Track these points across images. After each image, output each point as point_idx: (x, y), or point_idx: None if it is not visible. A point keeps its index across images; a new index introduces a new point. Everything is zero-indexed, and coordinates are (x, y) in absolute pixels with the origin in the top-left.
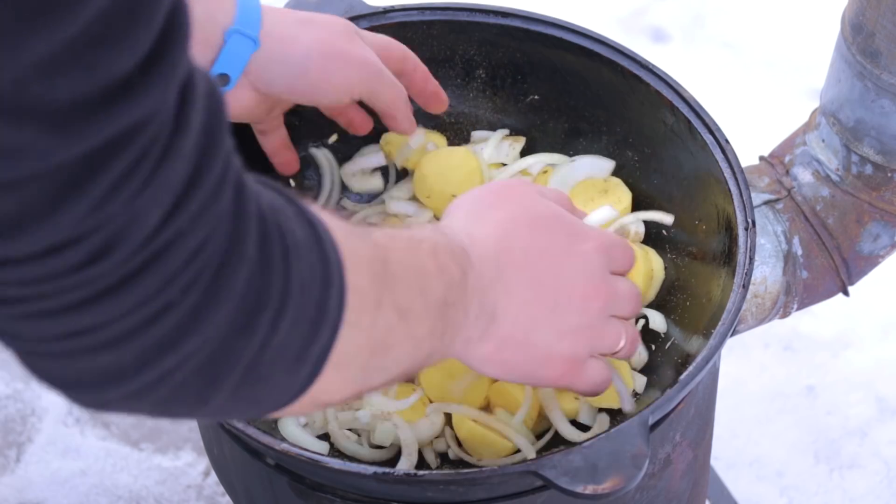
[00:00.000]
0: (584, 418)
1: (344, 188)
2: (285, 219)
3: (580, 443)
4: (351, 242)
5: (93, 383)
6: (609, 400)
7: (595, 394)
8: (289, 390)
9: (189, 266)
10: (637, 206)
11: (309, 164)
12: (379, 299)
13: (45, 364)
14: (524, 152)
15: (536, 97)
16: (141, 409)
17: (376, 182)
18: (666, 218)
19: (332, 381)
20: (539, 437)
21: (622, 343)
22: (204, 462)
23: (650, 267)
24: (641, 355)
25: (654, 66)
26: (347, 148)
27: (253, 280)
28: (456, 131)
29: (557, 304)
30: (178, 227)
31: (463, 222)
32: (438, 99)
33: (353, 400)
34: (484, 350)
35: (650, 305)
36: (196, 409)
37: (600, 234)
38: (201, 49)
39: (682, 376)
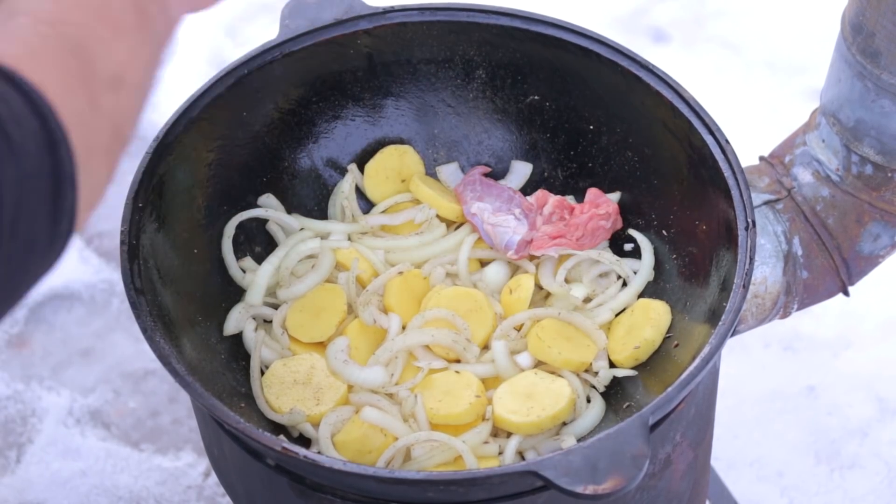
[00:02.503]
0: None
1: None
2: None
3: (580, 442)
4: (49, 75)
5: None
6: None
7: None
8: (60, 237)
9: None
10: (637, 204)
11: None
12: (92, 99)
13: None
14: (527, 152)
15: (536, 97)
16: None
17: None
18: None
19: (86, 194)
20: None
21: None
22: (204, 463)
23: (658, 322)
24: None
25: (654, 66)
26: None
27: None
28: (450, 147)
29: None
30: None
31: None
32: None
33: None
34: None
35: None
36: None
37: None
38: None
39: (683, 376)
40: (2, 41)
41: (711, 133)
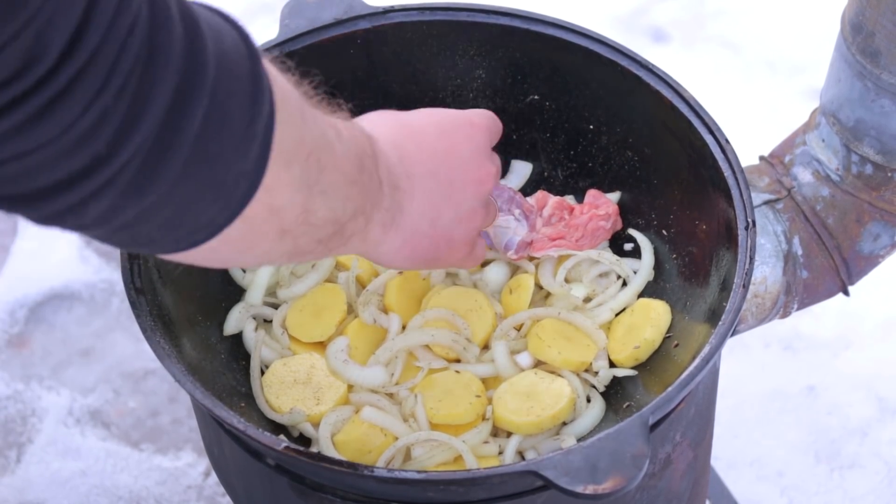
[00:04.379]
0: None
1: None
2: (209, 15)
3: (580, 442)
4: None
5: (56, 192)
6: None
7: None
8: (243, 174)
9: (116, 68)
10: (637, 204)
11: None
12: (303, 115)
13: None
14: (528, 152)
15: (536, 97)
16: (105, 207)
17: None
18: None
19: (280, 178)
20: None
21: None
22: (204, 462)
23: (658, 322)
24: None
25: (654, 66)
26: None
27: (185, 62)
28: None
29: (453, 190)
30: (97, 33)
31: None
32: None
33: (303, 219)
34: (394, 242)
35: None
36: (154, 188)
37: (480, 114)
38: None
39: (682, 376)
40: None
41: (711, 133)
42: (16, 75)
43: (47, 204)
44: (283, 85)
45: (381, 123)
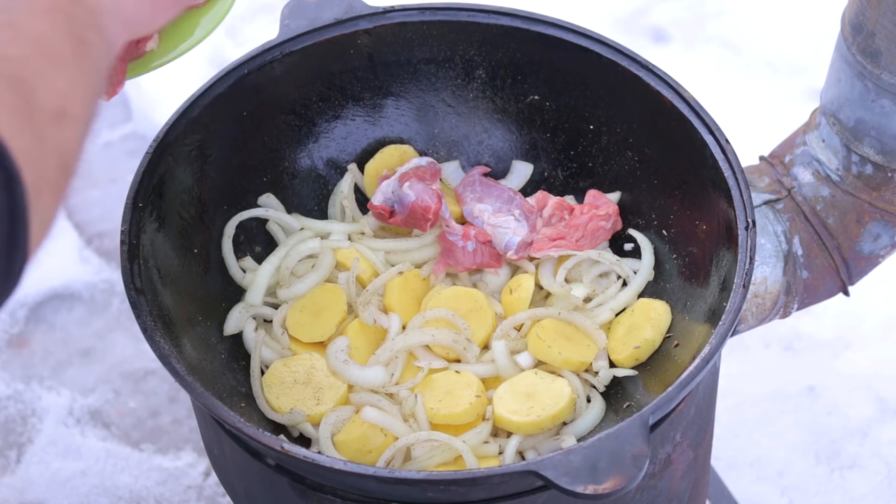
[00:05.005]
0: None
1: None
2: None
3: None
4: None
5: None
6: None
7: None
8: (13, 276)
9: None
10: (637, 204)
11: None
12: (38, 135)
13: None
14: (528, 152)
15: (536, 97)
16: None
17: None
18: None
19: (36, 238)
20: None
21: None
22: (204, 463)
23: (659, 322)
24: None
25: (654, 66)
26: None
27: None
28: (451, 147)
29: None
30: None
31: None
32: None
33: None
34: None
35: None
36: None
37: None
38: None
39: (683, 376)
40: None
41: (711, 133)
42: None
43: None
44: (34, 171)
45: None
